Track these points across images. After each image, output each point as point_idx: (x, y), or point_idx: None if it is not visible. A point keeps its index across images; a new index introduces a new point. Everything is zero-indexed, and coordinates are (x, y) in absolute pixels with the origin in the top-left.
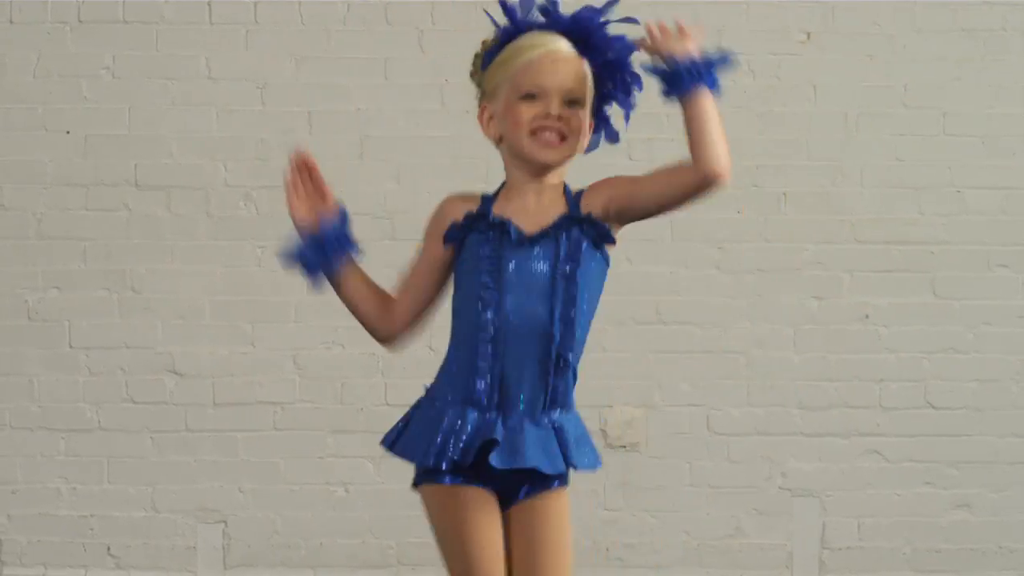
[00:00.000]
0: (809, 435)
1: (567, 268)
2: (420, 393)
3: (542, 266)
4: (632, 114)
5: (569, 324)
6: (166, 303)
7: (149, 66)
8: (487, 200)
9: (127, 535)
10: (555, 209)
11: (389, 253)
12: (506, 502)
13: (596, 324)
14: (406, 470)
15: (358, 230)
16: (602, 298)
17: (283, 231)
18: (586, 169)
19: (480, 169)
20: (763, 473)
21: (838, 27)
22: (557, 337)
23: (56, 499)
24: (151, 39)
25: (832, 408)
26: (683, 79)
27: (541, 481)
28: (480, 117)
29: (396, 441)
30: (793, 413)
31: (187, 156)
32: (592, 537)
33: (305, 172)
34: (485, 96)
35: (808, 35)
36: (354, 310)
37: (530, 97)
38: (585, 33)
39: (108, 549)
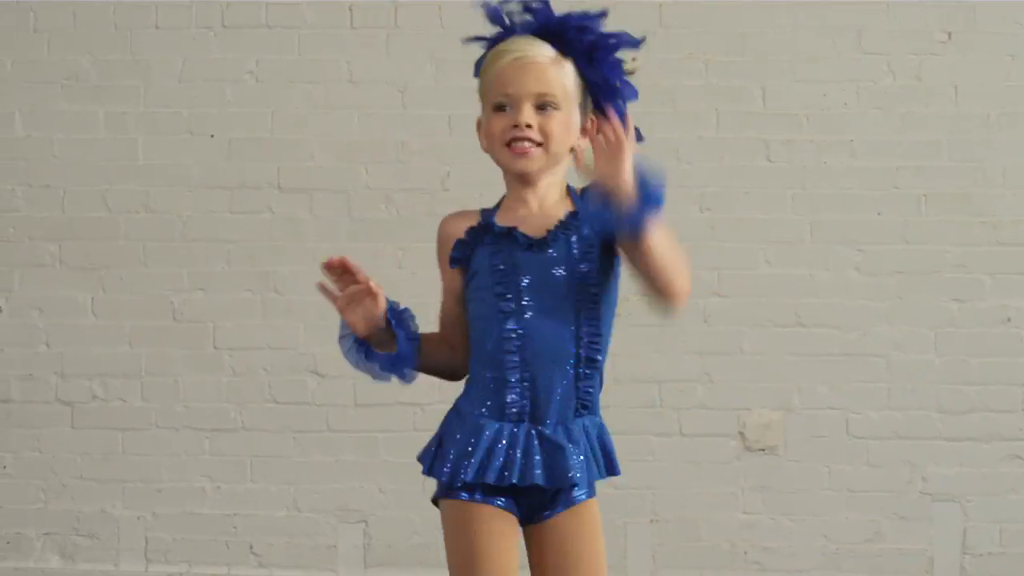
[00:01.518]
0: (950, 439)
1: (583, 268)
2: None
3: (558, 269)
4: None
5: (594, 324)
6: (308, 304)
7: (291, 70)
8: (487, 213)
9: (269, 534)
10: (560, 209)
11: None
12: (534, 516)
13: (734, 326)
14: None
15: None
16: (741, 300)
17: (423, 233)
18: None
19: None
20: (903, 477)
21: (979, 27)
22: (585, 339)
23: (200, 498)
24: (293, 43)
25: (973, 412)
26: (633, 225)
27: (568, 493)
28: (477, 127)
29: (433, 464)
30: (933, 417)
31: (329, 159)
32: (730, 540)
33: (347, 274)
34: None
35: (949, 35)
36: (433, 372)
37: (501, 108)
38: (559, 31)
39: (250, 547)
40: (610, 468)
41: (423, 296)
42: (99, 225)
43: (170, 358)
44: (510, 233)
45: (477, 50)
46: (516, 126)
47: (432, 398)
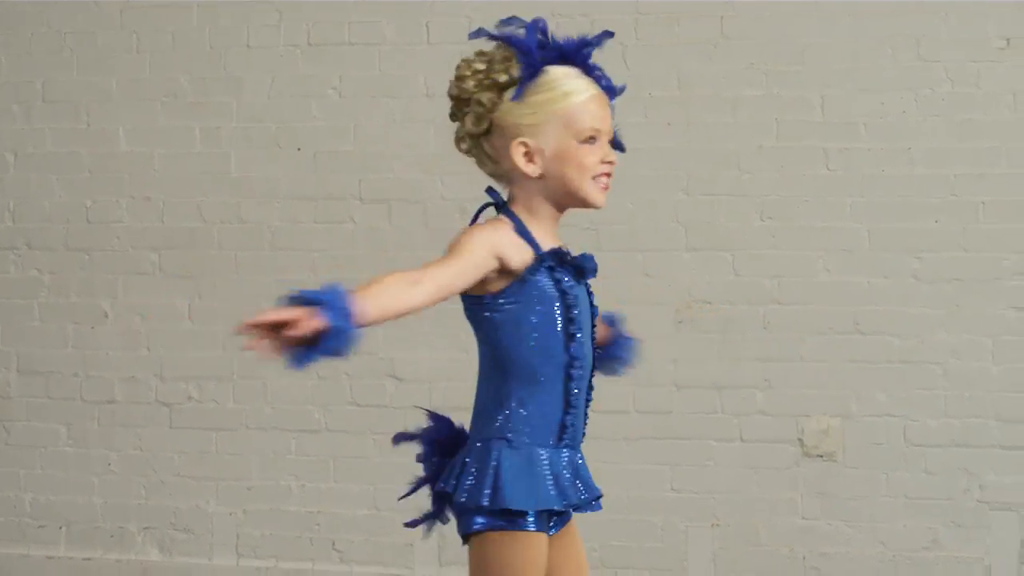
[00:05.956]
0: (1008, 448)
1: (595, 304)
2: None
3: (591, 299)
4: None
5: (596, 357)
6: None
7: (372, 85)
8: (527, 234)
9: (350, 531)
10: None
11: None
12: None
13: (794, 333)
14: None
15: (567, 240)
16: (801, 307)
17: None
18: None
19: (681, 180)
20: (961, 485)
21: None
22: (593, 371)
23: (287, 496)
24: (374, 59)
25: None
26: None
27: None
28: (514, 150)
29: (494, 495)
30: (991, 425)
31: (407, 171)
32: (788, 545)
33: (266, 328)
34: (513, 129)
35: (1008, 41)
36: (395, 315)
37: (590, 140)
38: (582, 58)
39: (333, 544)
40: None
41: None
42: (195, 235)
43: (260, 362)
44: (577, 263)
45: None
46: (610, 162)
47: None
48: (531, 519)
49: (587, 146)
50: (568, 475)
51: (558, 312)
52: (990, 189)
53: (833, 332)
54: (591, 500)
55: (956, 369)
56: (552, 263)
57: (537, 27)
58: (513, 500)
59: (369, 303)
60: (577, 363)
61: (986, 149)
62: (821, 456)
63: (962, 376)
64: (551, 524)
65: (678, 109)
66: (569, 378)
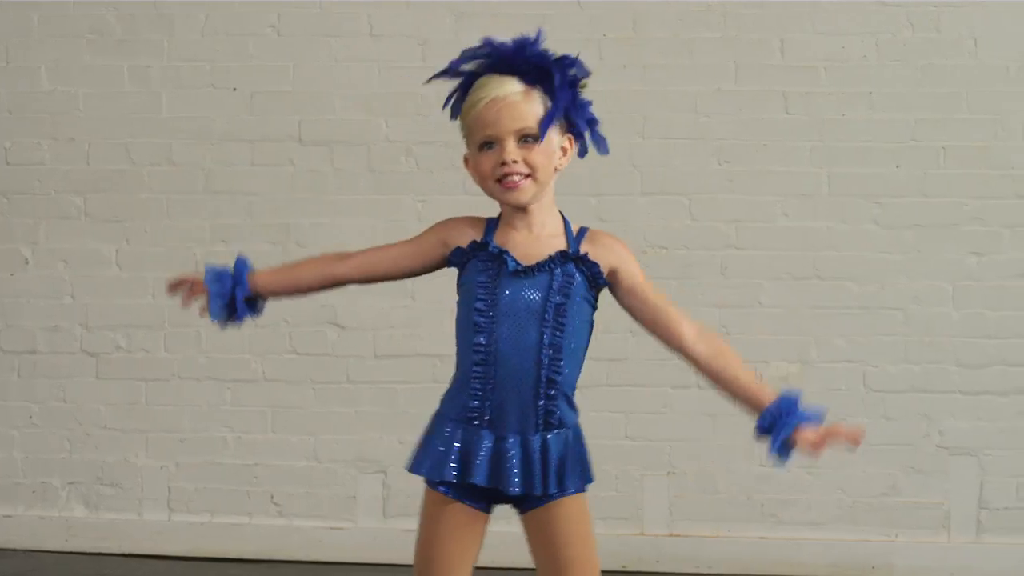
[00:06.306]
0: (967, 393)
1: (557, 299)
2: None
3: (535, 296)
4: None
5: (557, 350)
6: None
7: (313, 24)
8: (490, 228)
9: (290, 484)
10: (553, 244)
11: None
12: (522, 509)
13: (752, 279)
14: None
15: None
16: (759, 253)
17: (442, 186)
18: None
19: (637, 123)
20: (920, 431)
21: None
22: (546, 362)
23: (222, 448)
24: None
25: (991, 366)
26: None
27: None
28: (464, 163)
29: (415, 459)
30: (951, 370)
31: (349, 112)
32: (747, 492)
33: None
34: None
35: None
36: (297, 295)
37: (486, 146)
38: (521, 61)
39: (271, 497)
40: (568, 483)
41: None
42: (123, 178)
43: (192, 310)
44: (501, 255)
45: (500, 3)
46: (503, 163)
47: (451, 349)
48: (438, 483)
49: (484, 153)
50: (482, 455)
51: (470, 302)
52: (950, 134)
53: (792, 278)
54: (504, 490)
55: (916, 315)
56: (471, 256)
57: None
58: (410, 461)
59: (269, 274)
60: (481, 349)
61: (947, 94)
62: None
63: (922, 322)
64: (479, 496)
65: (634, 51)
66: (473, 363)
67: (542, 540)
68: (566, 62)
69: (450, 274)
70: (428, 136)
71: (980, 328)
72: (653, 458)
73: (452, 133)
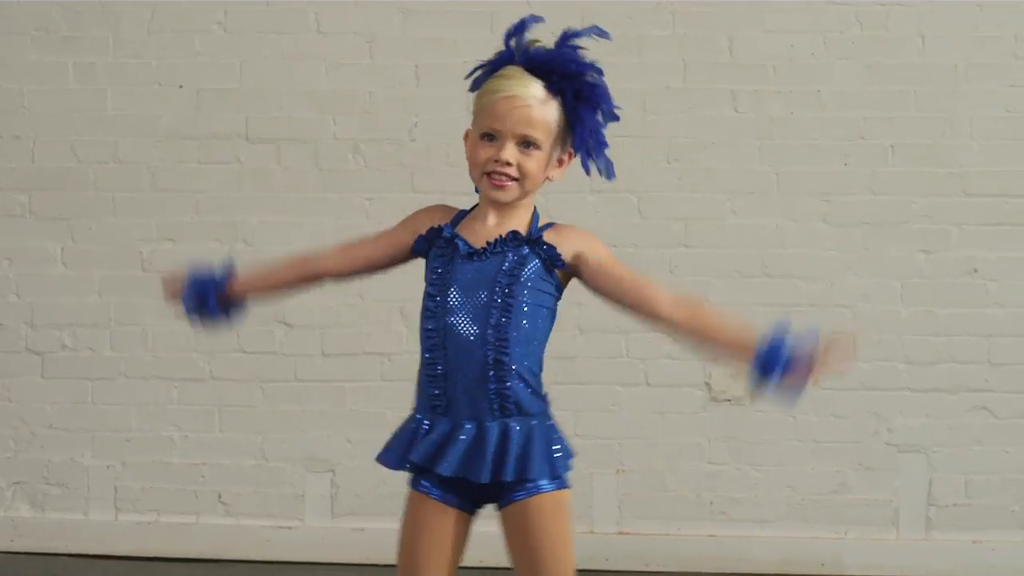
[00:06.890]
0: (916, 390)
1: (505, 282)
2: None
3: (484, 277)
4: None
5: (503, 333)
6: (276, 254)
7: (260, 21)
8: (458, 217)
9: (237, 483)
10: (511, 228)
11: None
12: (499, 506)
13: (701, 277)
14: None
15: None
16: (708, 251)
17: (390, 183)
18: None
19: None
20: (869, 428)
21: None
22: (491, 342)
23: (169, 447)
24: None
25: (939, 363)
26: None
27: (524, 484)
28: (464, 136)
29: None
30: (900, 368)
31: (297, 109)
32: (696, 491)
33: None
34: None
35: None
36: (278, 295)
37: (489, 137)
38: (552, 69)
39: (219, 496)
40: (529, 472)
41: None
42: (68, 175)
43: (139, 308)
44: (453, 240)
45: (448, 1)
46: (498, 160)
47: (400, 348)
48: (412, 477)
49: (483, 142)
50: (434, 440)
51: (425, 290)
52: (899, 132)
53: (741, 276)
54: (441, 472)
55: (865, 312)
56: (432, 243)
57: (514, 34)
58: (380, 457)
59: (246, 275)
60: (432, 335)
61: (895, 92)
62: (728, 400)
63: (871, 319)
64: (462, 495)
65: (581, 47)
66: (426, 350)
67: (515, 537)
68: (599, 92)
69: (398, 272)
70: (376, 134)
71: (929, 326)
72: (602, 456)
73: (400, 131)
